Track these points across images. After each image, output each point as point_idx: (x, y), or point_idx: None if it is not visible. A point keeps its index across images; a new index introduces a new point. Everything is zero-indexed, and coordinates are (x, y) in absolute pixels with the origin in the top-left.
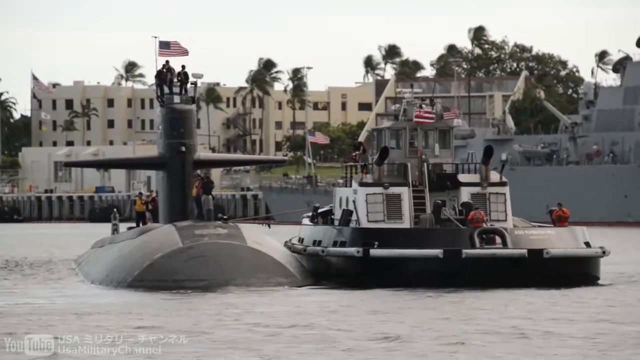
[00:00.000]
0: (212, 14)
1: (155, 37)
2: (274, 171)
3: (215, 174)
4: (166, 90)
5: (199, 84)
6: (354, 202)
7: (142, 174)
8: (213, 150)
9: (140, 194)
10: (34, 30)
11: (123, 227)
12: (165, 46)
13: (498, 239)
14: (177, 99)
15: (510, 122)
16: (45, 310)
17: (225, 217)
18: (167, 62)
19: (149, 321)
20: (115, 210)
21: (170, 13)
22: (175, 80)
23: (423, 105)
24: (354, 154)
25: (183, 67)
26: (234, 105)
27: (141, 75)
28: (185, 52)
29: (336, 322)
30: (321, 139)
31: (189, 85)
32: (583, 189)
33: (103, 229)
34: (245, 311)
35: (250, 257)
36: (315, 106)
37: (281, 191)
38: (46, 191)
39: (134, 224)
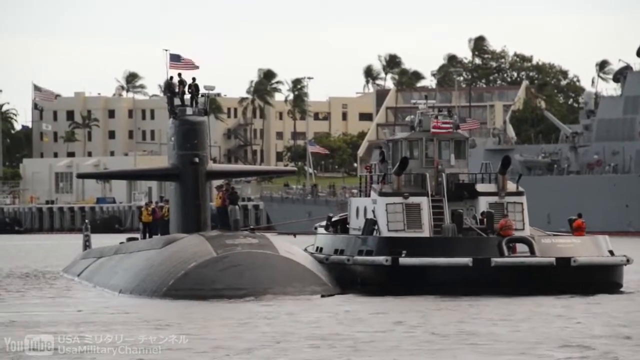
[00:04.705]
0: (212, 25)
1: (166, 50)
2: (274, 181)
3: (215, 184)
4: (177, 102)
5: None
6: (373, 211)
7: (143, 185)
8: (214, 160)
9: (147, 204)
10: (35, 41)
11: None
12: (175, 59)
13: (519, 247)
14: (189, 110)
15: (511, 131)
16: (94, 321)
17: (252, 227)
18: (180, 74)
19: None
20: (86, 222)
21: (170, 24)
22: (186, 91)
23: (439, 116)
24: (369, 164)
25: (194, 79)
26: (235, 116)
27: (142, 86)
28: (195, 67)
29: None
30: (321, 148)
31: (199, 97)
32: (584, 198)
33: (105, 240)
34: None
35: (284, 266)
36: (316, 116)
37: (282, 201)
38: (47, 202)
39: (133, 235)
